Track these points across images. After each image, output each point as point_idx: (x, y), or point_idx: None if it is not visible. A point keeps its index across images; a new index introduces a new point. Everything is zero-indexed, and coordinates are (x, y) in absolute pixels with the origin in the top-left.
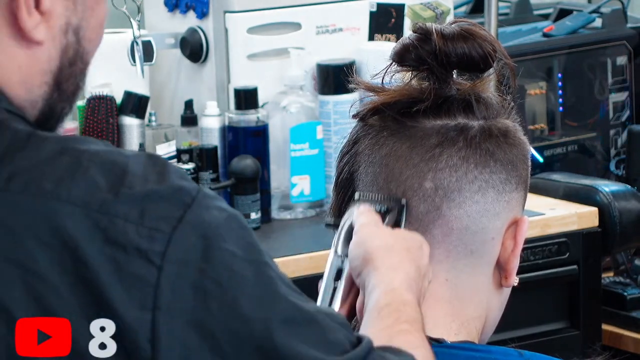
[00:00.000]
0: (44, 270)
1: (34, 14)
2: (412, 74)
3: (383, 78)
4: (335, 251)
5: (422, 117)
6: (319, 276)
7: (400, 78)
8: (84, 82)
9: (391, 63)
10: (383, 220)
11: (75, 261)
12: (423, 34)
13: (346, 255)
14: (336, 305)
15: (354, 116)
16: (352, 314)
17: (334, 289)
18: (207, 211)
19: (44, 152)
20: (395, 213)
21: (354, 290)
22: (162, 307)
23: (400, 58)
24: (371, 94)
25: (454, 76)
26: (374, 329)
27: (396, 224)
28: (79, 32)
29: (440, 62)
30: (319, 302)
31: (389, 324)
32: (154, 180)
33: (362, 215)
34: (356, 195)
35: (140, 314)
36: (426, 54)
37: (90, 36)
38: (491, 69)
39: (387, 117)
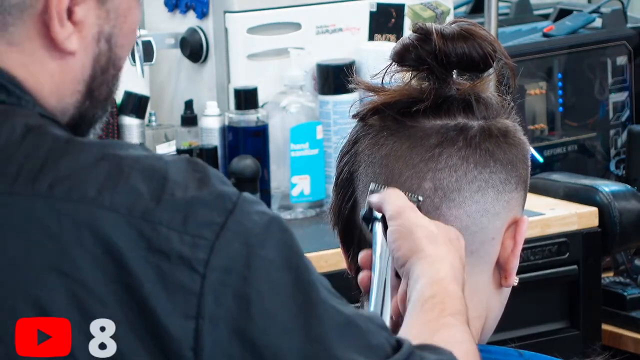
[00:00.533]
0: (87, 278)
1: (67, 24)
2: (412, 74)
3: (383, 78)
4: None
5: (422, 117)
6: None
7: (400, 78)
8: (116, 87)
9: (391, 63)
10: None
11: (119, 269)
12: (423, 34)
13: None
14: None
15: (354, 116)
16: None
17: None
18: (248, 216)
19: (84, 158)
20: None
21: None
22: (206, 315)
23: (400, 58)
24: (371, 94)
25: (454, 76)
26: (418, 322)
27: None
28: (111, 39)
29: (440, 62)
30: (373, 298)
31: (433, 317)
32: (194, 186)
33: (398, 199)
34: (372, 186)
35: (183, 322)
36: (426, 54)
37: (123, 42)
38: (491, 69)
39: (387, 117)
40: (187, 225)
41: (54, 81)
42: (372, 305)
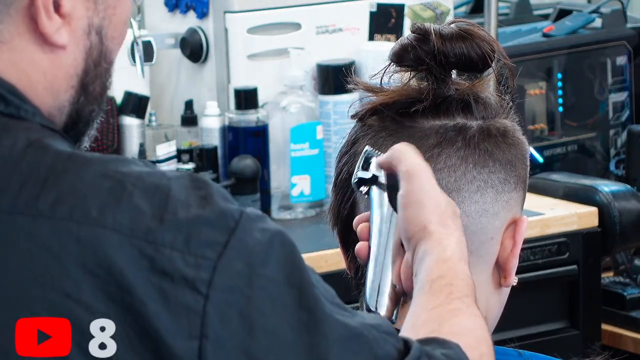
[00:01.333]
0: (89, 300)
1: (55, 17)
2: (410, 74)
3: (382, 78)
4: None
5: (421, 118)
6: (319, 276)
7: (398, 78)
8: (110, 81)
9: (390, 63)
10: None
11: (122, 290)
12: (421, 34)
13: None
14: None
15: (353, 116)
16: None
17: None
18: (251, 234)
19: (86, 176)
20: None
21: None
22: (210, 335)
23: (399, 58)
24: (370, 94)
25: (453, 76)
26: (426, 307)
27: None
28: (102, 31)
29: (438, 63)
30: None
31: (441, 301)
32: (197, 204)
33: (414, 157)
34: (367, 149)
35: (187, 342)
36: (424, 54)
37: (113, 34)
38: (490, 69)
39: (386, 117)
40: (190, 245)
41: (47, 78)
42: (370, 275)
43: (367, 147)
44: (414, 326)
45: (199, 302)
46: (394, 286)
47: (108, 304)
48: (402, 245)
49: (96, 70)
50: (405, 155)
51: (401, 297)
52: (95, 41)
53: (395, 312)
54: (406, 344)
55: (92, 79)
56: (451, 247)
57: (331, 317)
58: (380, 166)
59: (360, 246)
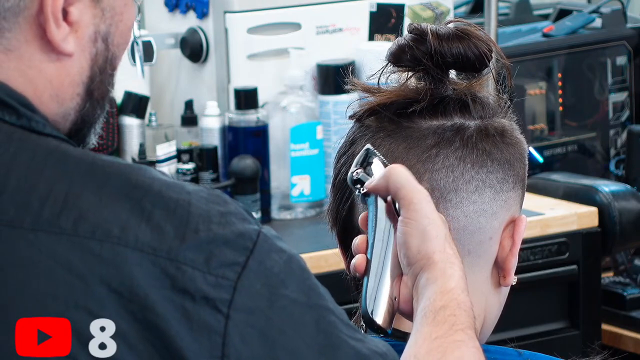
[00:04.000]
0: (112, 317)
1: (63, 25)
2: (408, 74)
3: (379, 79)
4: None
5: (419, 118)
6: (319, 276)
7: (396, 79)
8: (113, 85)
9: (387, 64)
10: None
11: (145, 309)
12: (418, 35)
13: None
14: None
15: (351, 117)
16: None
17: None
18: (268, 255)
19: (105, 193)
20: None
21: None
22: (231, 355)
23: (396, 59)
24: (367, 94)
25: (450, 76)
26: (429, 337)
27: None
28: (108, 38)
29: (435, 63)
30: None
31: (444, 332)
32: (217, 222)
33: (412, 184)
34: (369, 146)
35: None
36: (422, 55)
37: (119, 41)
38: (487, 69)
39: (384, 117)
40: (210, 265)
41: (53, 86)
42: (370, 282)
43: (368, 145)
44: (417, 356)
45: (220, 322)
46: (393, 298)
47: (130, 322)
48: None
49: (101, 76)
50: (404, 180)
51: (396, 310)
52: (102, 48)
53: (391, 323)
54: None
55: (98, 85)
56: (455, 278)
57: (346, 343)
58: (377, 189)
59: (358, 260)
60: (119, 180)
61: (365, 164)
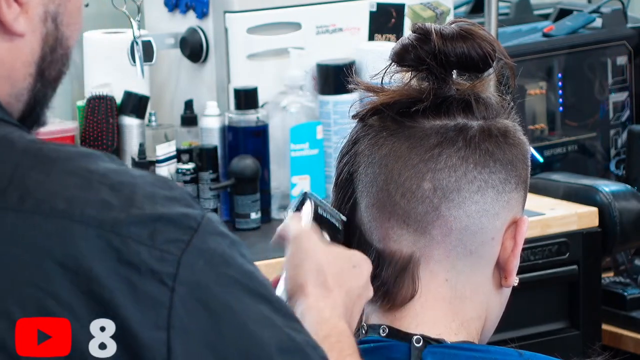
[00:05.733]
0: (59, 291)
1: (13, 5)
2: (411, 74)
3: (382, 78)
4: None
5: (422, 117)
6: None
7: (399, 78)
8: (67, 67)
9: (390, 63)
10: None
11: (90, 281)
12: (422, 34)
13: None
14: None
15: (354, 116)
16: None
17: None
18: (212, 237)
19: (53, 172)
20: (333, 227)
21: None
22: (177, 326)
23: (400, 58)
24: (370, 94)
25: (454, 76)
26: None
27: (334, 238)
28: (57, 18)
29: (439, 62)
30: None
31: (335, 357)
32: (161, 204)
33: (296, 224)
34: (307, 190)
35: (155, 333)
36: (425, 54)
37: (69, 21)
38: (490, 69)
39: (387, 117)
40: (155, 240)
41: (5, 67)
42: None
43: (305, 190)
44: None
45: (165, 294)
46: None
47: (78, 294)
48: None
49: (52, 56)
50: (290, 225)
51: None
52: (52, 28)
53: None
54: None
55: (48, 65)
56: (328, 309)
57: (280, 329)
58: (281, 236)
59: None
60: (66, 162)
61: (301, 207)
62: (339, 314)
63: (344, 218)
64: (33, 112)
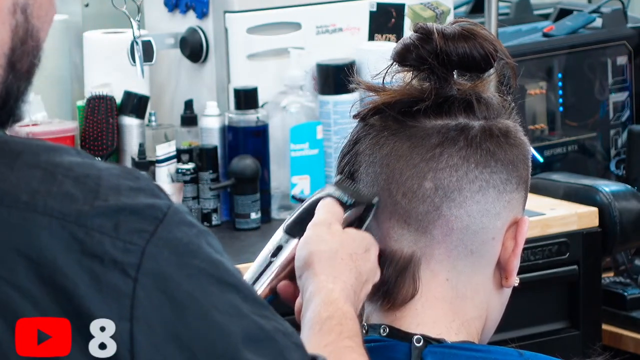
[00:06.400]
0: (23, 283)
1: None
2: (413, 73)
3: (384, 78)
4: (283, 227)
5: (423, 117)
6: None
7: (401, 78)
8: (39, 59)
9: (392, 63)
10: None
11: (53, 272)
12: (424, 34)
13: (291, 236)
14: (264, 281)
15: (355, 116)
16: (274, 294)
17: (268, 264)
18: (178, 227)
19: (17, 165)
20: (360, 209)
21: (286, 273)
22: (140, 317)
23: (401, 58)
24: (372, 93)
25: (455, 76)
26: (319, 345)
27: (361, 221)
28: (27, 10)
29: (441, 62)
30: (249, 273)
31: (333, 339)
32: (126, 195)
33: (320, 211)
34: (335, 179)
35: (118, 324)
36: (427, 54)
37: (39, 13)
38: (492, 69)
39: (388, 117)
40: (119, 231)
41: None
42: (252, 269)
43: (336, 177)
44: None
45: (128, 285)
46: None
47: (41, 286)
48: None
49: (23, 48)
50: (318, 211)
51: None
52: (21, 20)
53: None
54: (313, 357)
55: (19, 57)
56: (337, 289)
57: (248, 316)
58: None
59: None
60: (30, 156)
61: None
62: (346, 297)
63: (374, 201)
64: (6, 106)
